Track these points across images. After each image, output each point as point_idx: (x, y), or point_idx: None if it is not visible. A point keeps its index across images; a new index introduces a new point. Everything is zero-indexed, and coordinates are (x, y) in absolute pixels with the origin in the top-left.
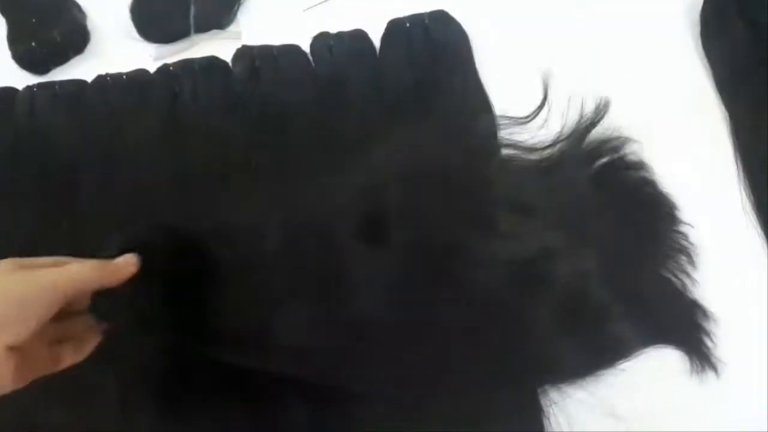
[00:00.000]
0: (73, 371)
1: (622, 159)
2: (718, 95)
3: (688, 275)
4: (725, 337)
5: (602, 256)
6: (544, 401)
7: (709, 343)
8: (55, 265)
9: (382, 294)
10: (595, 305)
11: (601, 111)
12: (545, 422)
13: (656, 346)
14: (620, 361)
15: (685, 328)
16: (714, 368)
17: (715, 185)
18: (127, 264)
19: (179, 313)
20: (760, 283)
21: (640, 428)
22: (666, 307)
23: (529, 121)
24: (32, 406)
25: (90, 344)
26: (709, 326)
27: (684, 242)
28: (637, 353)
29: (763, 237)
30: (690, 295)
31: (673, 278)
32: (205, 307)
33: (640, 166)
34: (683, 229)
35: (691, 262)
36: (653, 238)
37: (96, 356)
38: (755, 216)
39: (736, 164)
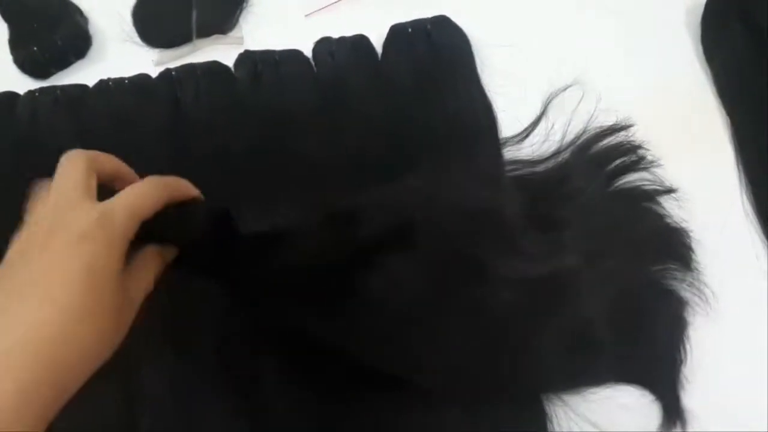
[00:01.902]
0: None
1: (630, 165)
2: (719, 99)
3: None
4: (726, 338)
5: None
6: (548, 409)
7: (682, 401)
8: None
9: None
10: (595, 336)
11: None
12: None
13: (631, 386)
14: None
15: (666, 383)
16: (682, 423)
17: (716, 189)
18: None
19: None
20: (761, 286)
21: (640, 428)
22: (653, 353)
23: (526, 136)
24: None
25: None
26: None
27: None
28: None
29: (765, 241)
30: (680, 351)
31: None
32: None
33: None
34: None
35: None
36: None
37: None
38: (756, 220)
39: (737, 168)
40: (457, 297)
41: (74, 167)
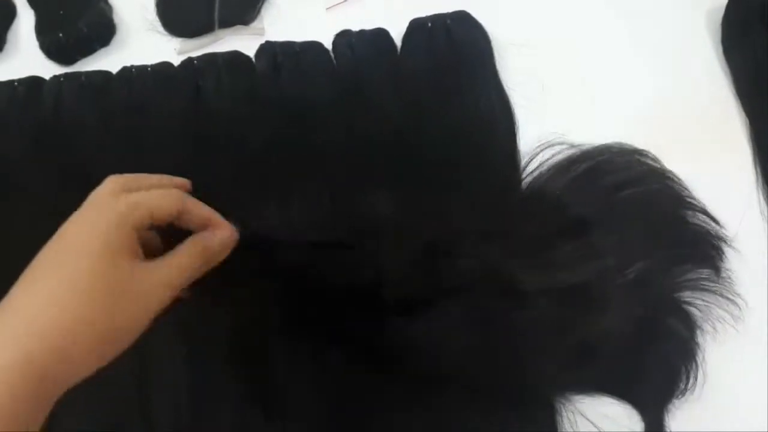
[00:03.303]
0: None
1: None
2: (738, 100)
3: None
4: (735, 337)
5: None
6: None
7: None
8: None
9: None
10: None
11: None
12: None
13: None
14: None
15: (654, 406)
16: None
17: (733, 189)
18: (228, 242)
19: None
20: None
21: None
22: (653, 373)
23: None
24: None
25: None
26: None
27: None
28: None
29: None
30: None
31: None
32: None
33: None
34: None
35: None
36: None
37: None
38: None
39: (755, 170)
40: (489, 312)
41: (111, 183)
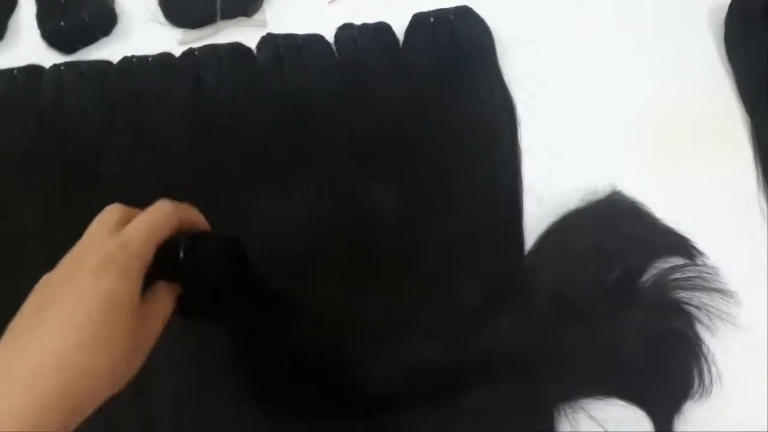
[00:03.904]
0: None
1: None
2: (740, 99)
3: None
4: (736, 338)
5: None
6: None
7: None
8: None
9: None
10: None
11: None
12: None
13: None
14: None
15: (664, 409)
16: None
17: (734, 188)
18: None
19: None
20: None
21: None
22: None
23: None
24: None
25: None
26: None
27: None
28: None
29: None
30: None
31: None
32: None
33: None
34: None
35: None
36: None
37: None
38: None
39: (756, 170)
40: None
41: (108, 212)
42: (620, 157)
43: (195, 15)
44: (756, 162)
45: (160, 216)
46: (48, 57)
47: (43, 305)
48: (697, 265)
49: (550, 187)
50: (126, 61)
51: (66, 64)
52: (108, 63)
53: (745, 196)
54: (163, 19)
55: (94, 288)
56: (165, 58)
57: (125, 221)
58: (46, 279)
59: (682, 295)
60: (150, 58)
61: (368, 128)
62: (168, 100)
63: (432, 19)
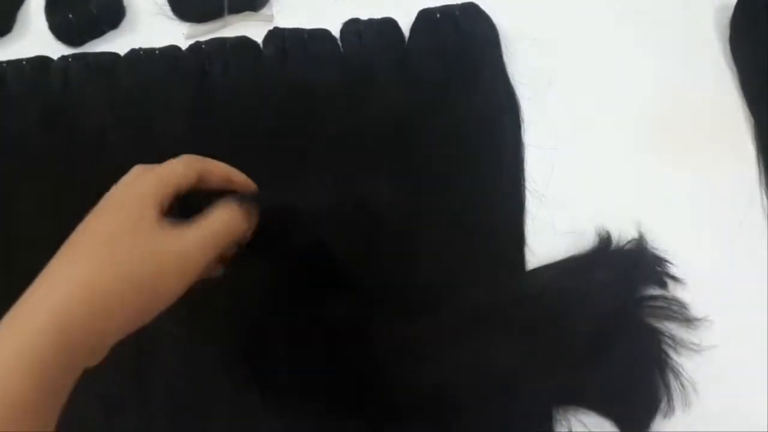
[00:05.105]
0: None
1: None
2: (743, 98)
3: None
4: (734, 335)
5: None
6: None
7: None
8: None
9: None
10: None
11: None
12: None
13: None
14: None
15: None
16: None
17: (736, 186)
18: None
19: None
20: None
21: None
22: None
23: None
24: None
25: None
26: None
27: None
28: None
29: None
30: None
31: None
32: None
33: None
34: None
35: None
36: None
37: None
38: None
39: (759, 168)
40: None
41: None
42: (624, 154)
43: (202, 9)
44: (758, 160)
45: (177, 165)
46: (56, 49)
47: (80, 237)
48: (667, 298)
49: (553, 184)
50: (133, 53)
51: (73, 55)
52: (115, 55)
53: (748, 194)
54: (170, 13)
55: (128, 208)
56: (172, 51)
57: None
58: (84, 222)
59: (654, 321)
60: (157, 51)
61: (373, 123)
62: (174, 92)
63: (438, 15)
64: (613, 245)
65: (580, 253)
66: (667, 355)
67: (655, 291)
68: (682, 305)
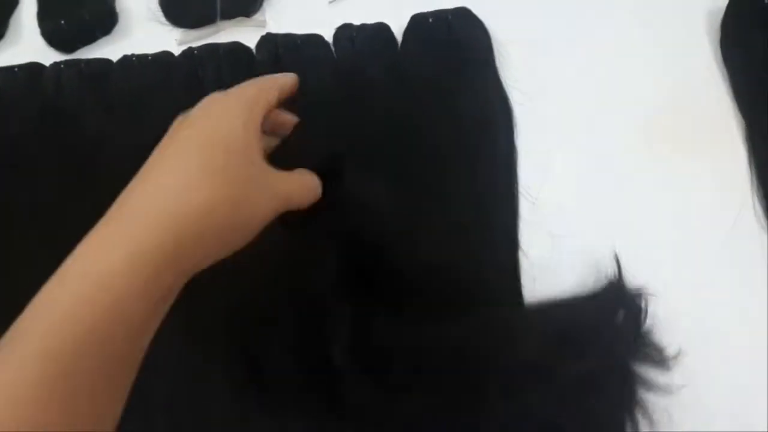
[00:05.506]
0: None
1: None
2: (735, 102)
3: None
4: (730, 337)
5: None
6: None
7: None
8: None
9: None
10: None
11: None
12: None
13: None
14: None
15: None
16: None
17: (728, 190)
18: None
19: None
20: None
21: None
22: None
23: None
24: None
25: None
26: None
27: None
28: None
29: None
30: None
31: None
32: None
33: None
34: None
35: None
36: None
37: None
38: (767, 222)
39: (750, 171)
40: None
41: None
42: (616, 158)
43: (195, 15)
44: (750, 164)
45: (272, 83)
46: (49, 56)
47: (174, 150)
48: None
49: (546, 188)
50: (126, 59)
51: (66, 62)
52: (108, 61)
53: (740, 196)
54: (163, 18)
55: (229, 126)
56: (164, 56)
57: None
58: (175, 133)
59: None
60: (150, 57)
61: (365, 128)
62: (167, 98)
63: (431, 20)
64: (600, 285)
65: (572, 295)
66: (642, 400)
67: (637, 332)
68: (659, 349)
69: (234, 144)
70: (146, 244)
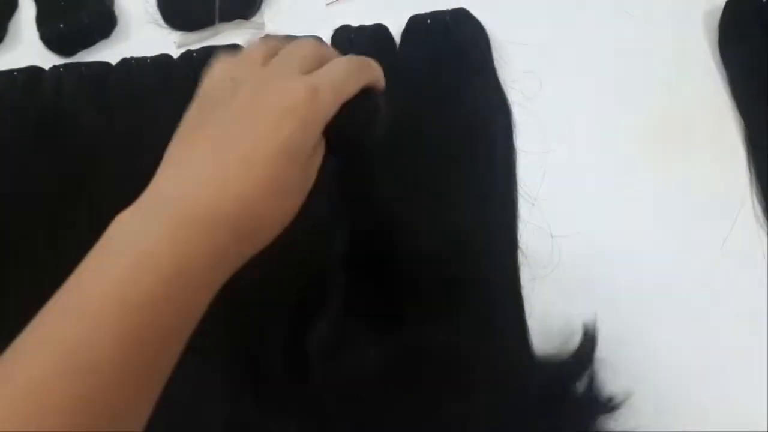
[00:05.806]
0: None
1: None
2: (733, 101)
3: None
4: (729, 338)
5: None
6: None
7: None
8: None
9: None
10: None
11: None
12: None
13: None
14: None
15: None
16: None
17: (727, 190)
18: None
19: None
20: None
21: (639, 428)
22: None
23: None
24: None
25: None
26: None
27: None
28: None
29: None
30: None
31: None
32: None
33: None
34: None
35: None
36: None
37: None
38: (766, 222)
39: (749, 171)
40: None
41: (300, 46)
42: (614, 158)
43: (193, 18)
44: (749, 163)
45: (351, 73)
46: (48, 59)
47: (217, 134)
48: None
49: (544, 188)
50: (125, 62)
51: (65, 65)
52: (107, 64)
53: (739, 196)
54: (161, 21)
55: (275, 135)
56: (163, 59)
57: (316, 60)
58: (211, 97)
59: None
60: (148, 60)
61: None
62: (166, 101)
63: (429, 21)
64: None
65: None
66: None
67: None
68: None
69: (298, 162)
70: (217, 221)
